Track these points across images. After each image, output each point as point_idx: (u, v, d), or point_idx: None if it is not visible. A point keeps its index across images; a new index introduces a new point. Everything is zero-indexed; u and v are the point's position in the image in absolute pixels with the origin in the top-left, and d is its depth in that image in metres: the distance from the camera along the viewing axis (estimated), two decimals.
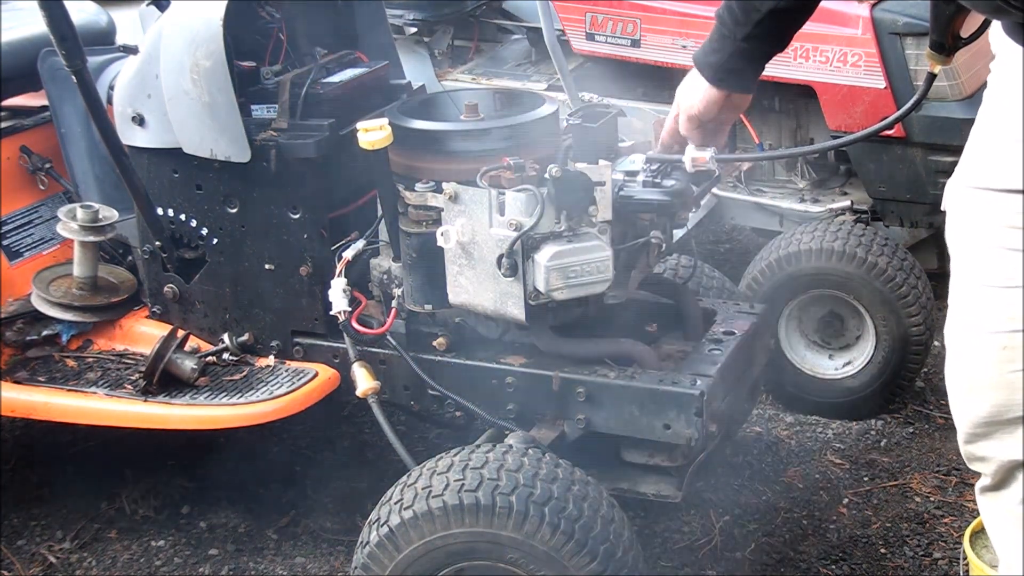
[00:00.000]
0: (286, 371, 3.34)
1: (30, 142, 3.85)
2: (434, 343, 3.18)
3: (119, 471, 3.99)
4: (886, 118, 3.53)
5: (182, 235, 3.39)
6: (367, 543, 2.79)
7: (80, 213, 3.51)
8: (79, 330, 3.58)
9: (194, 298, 3.44)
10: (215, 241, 3.36)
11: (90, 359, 3.53)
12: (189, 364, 3.33)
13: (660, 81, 4.68)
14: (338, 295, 3.13)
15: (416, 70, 5.00)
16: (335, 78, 3.38)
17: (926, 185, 4.25)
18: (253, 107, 3.28)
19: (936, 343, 4.62)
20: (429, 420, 4.02)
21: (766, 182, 4.77)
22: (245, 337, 3.40)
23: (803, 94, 4.52)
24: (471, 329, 3.23)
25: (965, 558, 3.07)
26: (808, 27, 4.20)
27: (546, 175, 2.83)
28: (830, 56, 4.24)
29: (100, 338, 3.60)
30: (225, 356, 3.41)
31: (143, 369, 3.32)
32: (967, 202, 2.13)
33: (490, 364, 3.13)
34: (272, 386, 3.28)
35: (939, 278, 4.89)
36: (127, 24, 4.10)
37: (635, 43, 4.57)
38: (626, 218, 3.00)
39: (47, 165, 3.84)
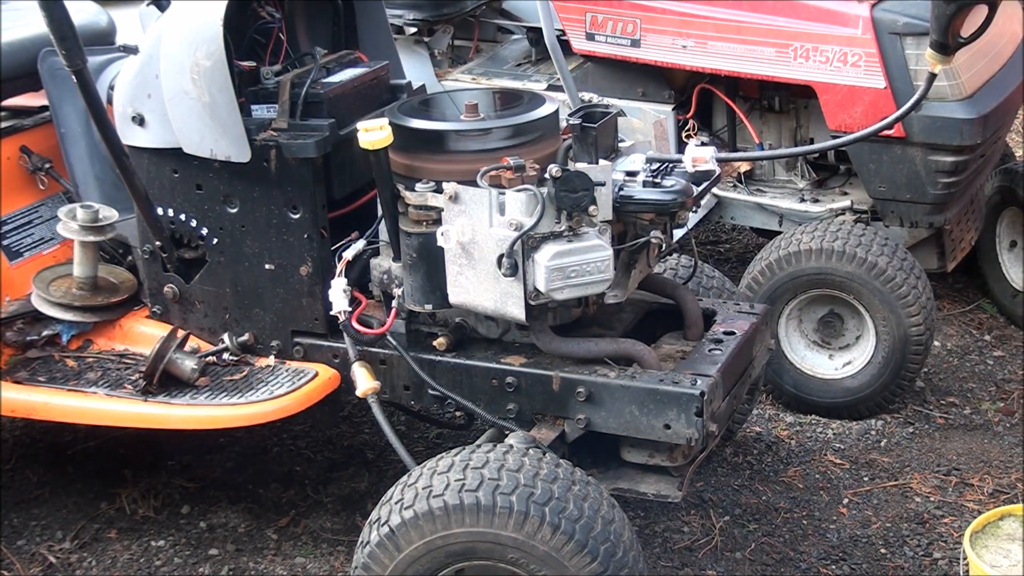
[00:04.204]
0: (286, 371, 3.34)
1: (30, 142, 3.85)
2: (434, 343, 3.18)
3: (119, 471, 3.99)
4: (886, 118, 3.57)
5: (182, 235, 3.39)
6: (367, 543, 2.79)
7: (80, 213, 3.51)
8: (79, 330, 3.58)
9: (194, 298, 3.44)
10: (215, 241, 3.36)
11: (90, 359, 3.53)
12: (189, 364, 3.33)
13: (660, 81, 4.69)
14: (338, 295, 3.13)
15: (416, 70, 5.00)
16: (335, 78, 3.38)
17: (926, 185, 4.25)
18: (253, 107, 3.27)
19: (936, 343, 4.62)
20: (429, 420, 4.02)
21: (766, 182, 4.77)
22: (245, 337, 3.40)
23: (803, 94, 4.52)
24: (471, 329, 3.23)
25: (965, 558, 3.07)
26: (808, 27, 4.28)
27: (546, 175, 2.83)
28: (830, 56, 4.24)
29: (100, 338, 3.60)
30: (225, 356, 3.41)
31: (143, 369, 3.32)
32: None
33: (490, 364, 3.13)
34: (272, 386, 3.27)
35: (939, 278, 4.91)
36: (127, 24, 4.09)
37: (635, 43, 4.57)
38: (626, 218, 3.00)
39: (47, 165, 3.84)
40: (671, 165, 3.11)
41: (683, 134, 4.68)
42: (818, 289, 4.14)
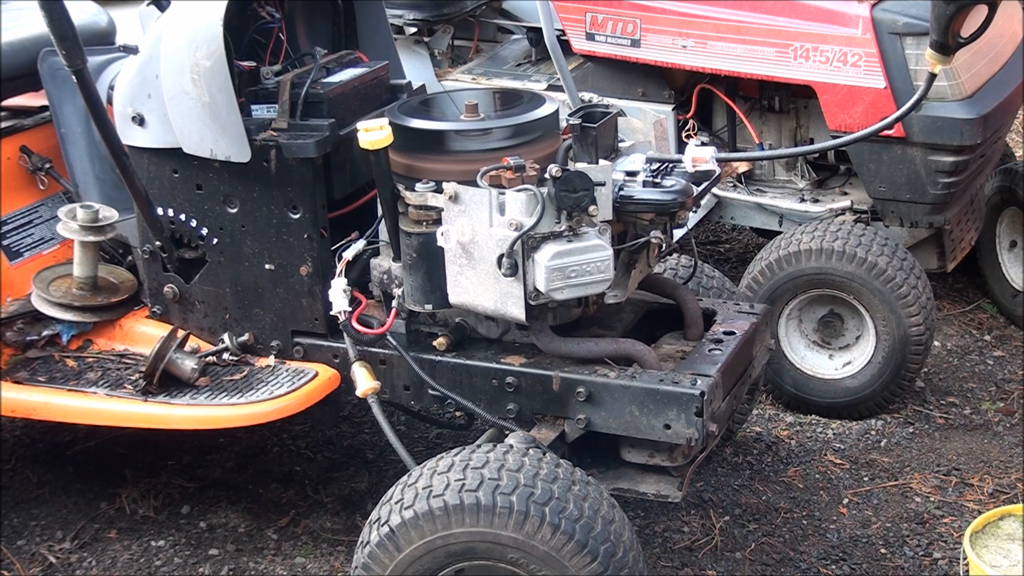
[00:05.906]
0: (286, 371, 3.34)
1: (30, 142, 3.85)
2: (434, 343, 3.18)
3: (119, 471, 3.99)
4: (886, 118, 3.57)
5: (182, 235, 3.39)
6: (367, 543, 2.79)
7: (80, 213, 3.51)
8: (79, 330, 3.58)
9: (194, 298, 3.44)
10: (215, 241, 3.36)
11: (90, 359, 3.53)
12: (189, 364, 3.33)
13: (660, 81, 4.69)
14: (338, 295, 3.13)
15: (416, 70, 5.00)
16: (335, 78, 3.38)
17: (926, 185, 4.25)
18: (253, 107, 3.28)
19: (936, 343, 4.62)
20: (429, 420, 4.02)
21: (766, 182, 4.77)
22: (245, 337, 3.40)
23: (803, 94, 4.52)
24: (471, 329, 3.23)
25: (965, 558, 3.07)
26: (808, 27, 4.29)
27: (546, 175, 2.83)
28: (830, 56, 4.24)
29: (100, 338, 3.60)
30: (225, 356, 3.41)
31: (143, 369, 3.32)
32: None
33: (490, 364, 3.13)
34: (272, 386, 3.28)
35: (939, 278, 4.91)
36: (127, 24, 4.10)
37: (635, 43, 4.57)
38: (626, 218, 3.00)
39: (47, 165, 3.85)
40: (671, 165, 3.11)
41: (683, 134, 4.68)
42: (818, 289, 4.14)
